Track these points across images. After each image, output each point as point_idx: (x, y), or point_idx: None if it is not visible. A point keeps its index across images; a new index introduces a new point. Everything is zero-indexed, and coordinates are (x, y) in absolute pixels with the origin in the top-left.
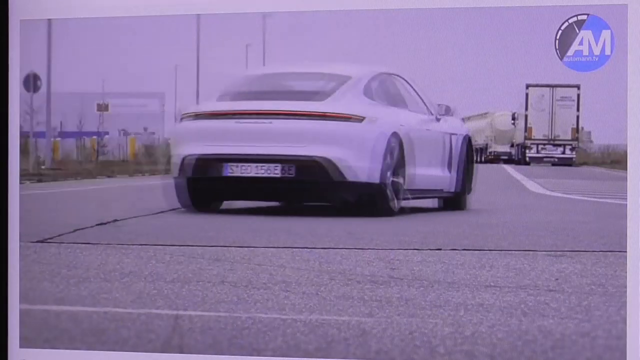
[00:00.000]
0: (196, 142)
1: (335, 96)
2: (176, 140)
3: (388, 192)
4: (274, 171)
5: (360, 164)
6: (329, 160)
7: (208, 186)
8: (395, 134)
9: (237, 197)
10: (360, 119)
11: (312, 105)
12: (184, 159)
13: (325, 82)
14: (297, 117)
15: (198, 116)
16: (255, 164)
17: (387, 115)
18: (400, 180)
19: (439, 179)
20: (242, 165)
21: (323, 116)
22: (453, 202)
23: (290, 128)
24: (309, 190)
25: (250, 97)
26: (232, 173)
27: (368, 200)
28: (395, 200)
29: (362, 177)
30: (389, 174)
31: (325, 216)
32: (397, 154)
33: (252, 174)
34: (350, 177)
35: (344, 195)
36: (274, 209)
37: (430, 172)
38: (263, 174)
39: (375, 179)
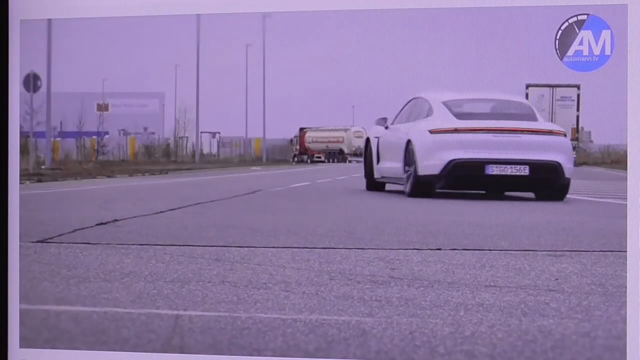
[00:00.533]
0: (460, 150)
1: (537, 117)
2: (436, 148)
3: None
4: (519, 171)
5: (569, 166)
6: (560, 164)
7: (470, 181)
8: None
9: (492, 190)
10: (564, 134)
11: (535, 124)
12: (451, 162)
13: (515, 107)
14: (533, 133)
15: (451, 131)
16: (508, 166)
17: None
18: None
19: None
20: (500, 167)
21: (550, 132)
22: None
23: (531, 141)
24: (540, 184)
25: (484, 117)
26: (492, 172)
27: (565, 191)
28: None
29: (569, 175)
30: None
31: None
32: None
33: (506, 173)
34: (566, 175)
35: (559, 186)
36: (275, 208)
37: None
38: (513, 172)
39: (572, 176)
